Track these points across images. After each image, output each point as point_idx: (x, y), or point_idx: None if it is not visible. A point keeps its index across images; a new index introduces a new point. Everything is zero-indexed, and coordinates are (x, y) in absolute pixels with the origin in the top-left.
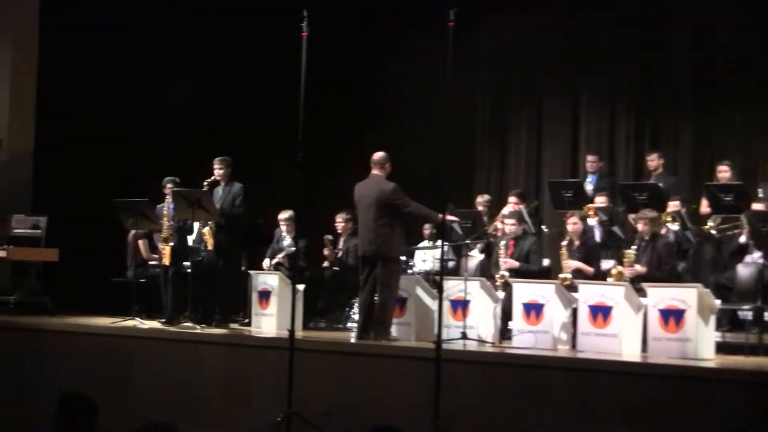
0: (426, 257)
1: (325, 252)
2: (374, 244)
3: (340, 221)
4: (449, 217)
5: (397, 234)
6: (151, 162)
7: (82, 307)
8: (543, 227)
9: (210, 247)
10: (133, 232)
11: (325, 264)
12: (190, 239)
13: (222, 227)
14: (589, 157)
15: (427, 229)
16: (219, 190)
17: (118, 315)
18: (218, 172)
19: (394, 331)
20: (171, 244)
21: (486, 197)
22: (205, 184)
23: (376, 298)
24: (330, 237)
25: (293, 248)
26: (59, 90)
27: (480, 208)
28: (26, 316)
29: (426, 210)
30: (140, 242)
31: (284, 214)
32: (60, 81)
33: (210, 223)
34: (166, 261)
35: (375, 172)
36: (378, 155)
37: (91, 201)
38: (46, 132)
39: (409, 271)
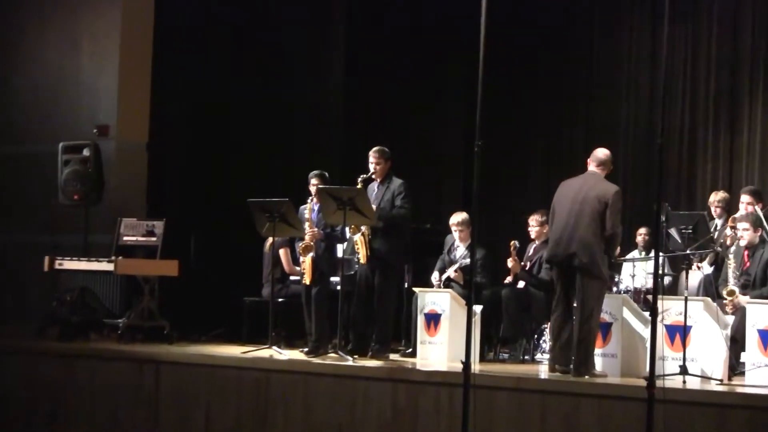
0: (636, 271)
1: (510, 263)
2: (573, 248)
3: (534, 224)
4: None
5: (602, 249)
6: (293, 154)
7: (207, 333)
8: None
9: (364, 259)
10: (270, 240)
11: (509, 279)
12: (341, 249)
13: (379, 234)
14: None
15: (641, 234)
16: (374, 188)
17: (252, 343)
18: (374, 166)
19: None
20: (312, 254)
21: (721, 195)
22: (359, 180)
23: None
24: (516, 243)
25: (468, 260)
26: (179, 69)
27: (713, 209)
28: (139, 344)
29: (618, 241)
30: (281, 252)
31: (457, 217)
32: (180, 58)
33: (363, 229)
34: (306, 277)
35: (593, 169)
36: (603, 152)
37: (219, 201)
38: (163, 119)
39: (615, 289)
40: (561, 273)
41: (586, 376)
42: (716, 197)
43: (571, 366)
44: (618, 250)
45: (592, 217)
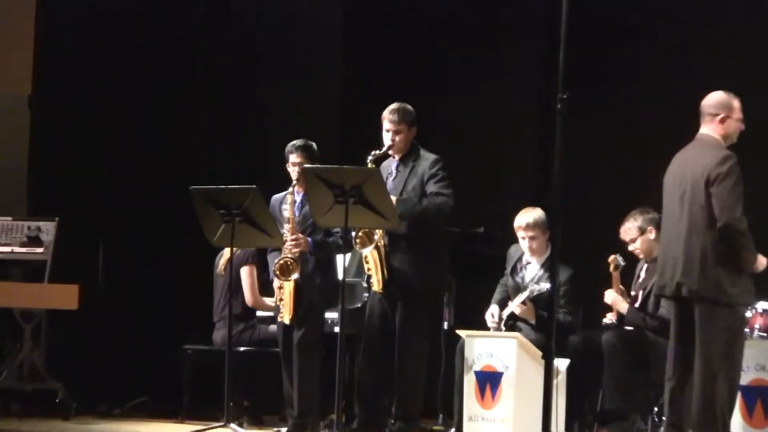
0: None
1: (609, 298)
2: (687, 269)
3: (632, 231)
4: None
5: (735, 261)
6: (261, 119)
7: (125, 404)
8: None
9: (378, 285)
10: (226, 253)
11: (612, 317)
12: (341, 267)
13: (402, 243)
14: None
15: None
16: (391, 170)
17: (196, 419)
18: (392, 135)
19: None
20: (295, 276)
21: None
22: (369, 159)
23: None
24: (620, 258)
25: (546, 285)
26: None
27: None
28: (16, 420)
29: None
30: (244, 272)
31: (528, 216)
32: None
33: (377, 237)
34: (286, 314)
35: (704, 130)
36: (713, 98)
37: (143, 191)
38: (56, 63)
39: None
40: (677, 303)
41: None
42: None
43: None
44: (760, 260)
45: (706, 208)
